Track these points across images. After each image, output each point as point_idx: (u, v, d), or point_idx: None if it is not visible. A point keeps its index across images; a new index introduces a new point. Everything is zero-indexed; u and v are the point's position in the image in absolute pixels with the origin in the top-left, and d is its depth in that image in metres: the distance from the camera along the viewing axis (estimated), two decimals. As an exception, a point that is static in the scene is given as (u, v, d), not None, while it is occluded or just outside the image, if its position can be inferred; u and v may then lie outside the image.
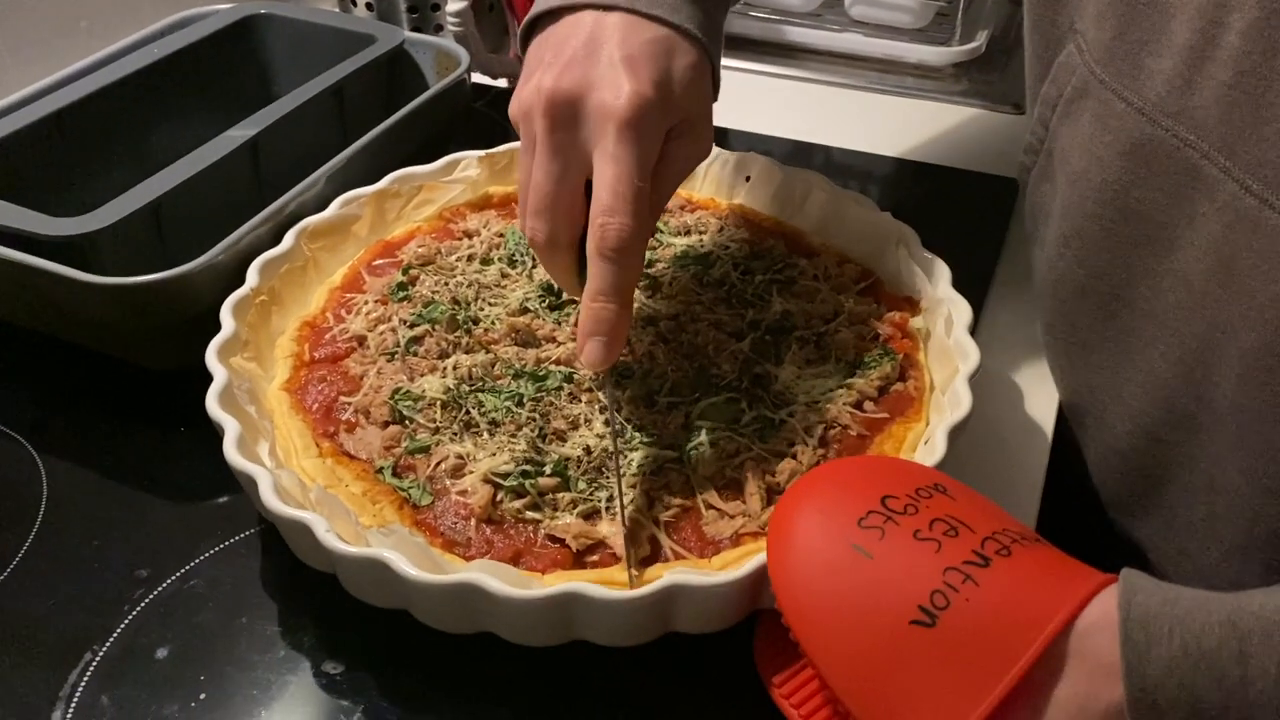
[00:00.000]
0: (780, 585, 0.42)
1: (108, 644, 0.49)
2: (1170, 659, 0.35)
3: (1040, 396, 0.65)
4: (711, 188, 0.72)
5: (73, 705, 0.47)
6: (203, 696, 0.48)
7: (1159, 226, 0.49)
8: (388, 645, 0.49)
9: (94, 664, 0.49)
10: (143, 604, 0.51)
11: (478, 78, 0.91)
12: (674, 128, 0.50)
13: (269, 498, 0.47)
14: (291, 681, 0.48)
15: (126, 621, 0.50)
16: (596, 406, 0.55)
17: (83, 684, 0.48)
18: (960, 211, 0.80)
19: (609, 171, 0.47)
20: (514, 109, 0.51)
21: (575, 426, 0.54)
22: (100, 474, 0.59)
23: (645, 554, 0.48)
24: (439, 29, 0.94)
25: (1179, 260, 0.49)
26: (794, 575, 0.41)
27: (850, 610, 0.39)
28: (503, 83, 0.94)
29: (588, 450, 0.52)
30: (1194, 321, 0.48)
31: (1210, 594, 0.37)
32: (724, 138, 0.87)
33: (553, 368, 0.57)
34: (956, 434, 0.52)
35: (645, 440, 0.53)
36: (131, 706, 0.47)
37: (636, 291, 0.61)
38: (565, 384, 0.55)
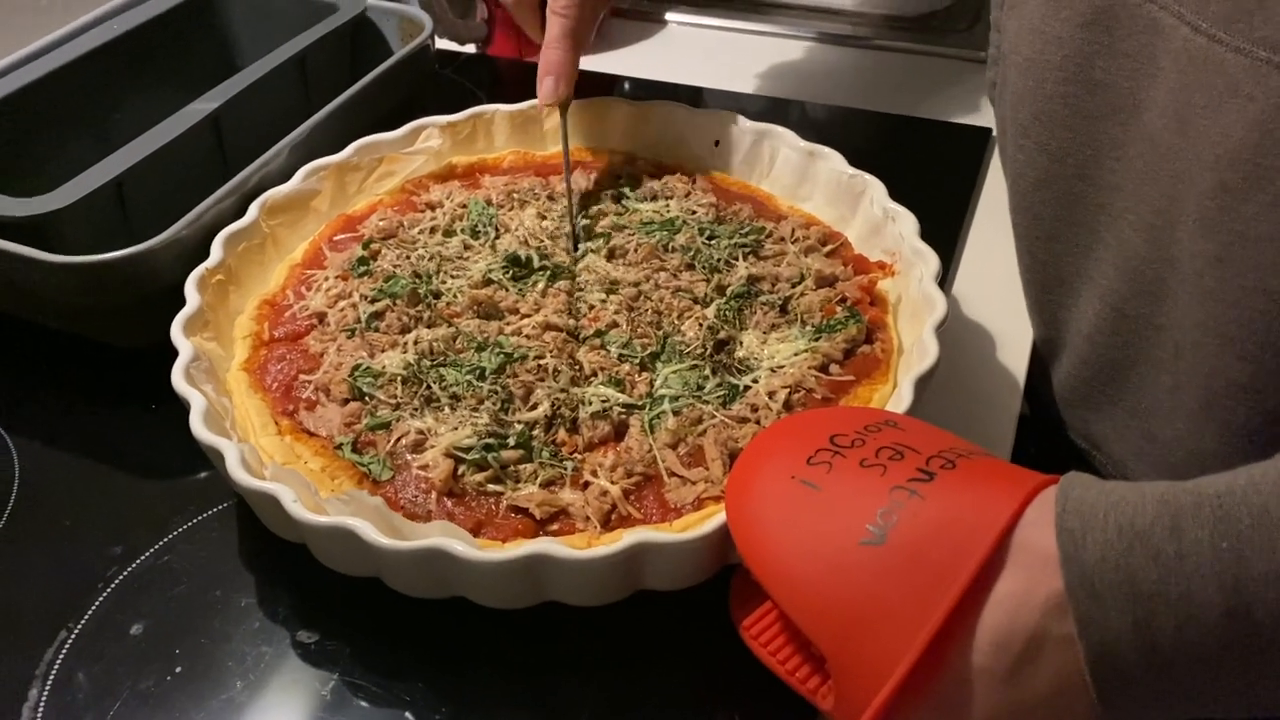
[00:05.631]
0: (736, 529, 0.42)
1: (83, 621, 0.50)
2: (1106, 542, 0.34)
3: (1014, 344, 0.65)
4: (680, 153, 0.71)
5: (49, 683, 0.48)
6: (179, 670, 0.48)
7: (1124, 93, 0.50)
8: (363, 613, 0.50)
9: (70, 642, 0.49)
10: (117, 581, 0.52)
11: (445, 44, 0.90)
12: None
13: (236, 470, 0.47)
14: (267, 652, 0.49)
15: (101, 599, 0.51)
16: (564, 362, 0.55)
17: (59, 662, 0.48)
18: (933, 162, 0.80)
19: None
20: None
21: (542, 378, 0.54)
22: (72, 453, 0.59)
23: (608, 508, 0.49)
24: (405, -6, 0.93)
25: (1144, 122, 0.49)
26: (747, 517, 0.42)
27: (802, 540, 0.39)
28: (471, 48, 0.93)
29: (554, 406, 0.52)
30: (1159, 180, 0.49)
31: (1146, 483, 0.36)
32: (698, 98, 0.86)
33: (516, 338, 0.56)
34: (923, 384, 0.52)
35: (604, 386, 0.54)
36: (108, 682, 0.48)
37: (599, 258, 0.63)
38: (529, 356, 0.55)
